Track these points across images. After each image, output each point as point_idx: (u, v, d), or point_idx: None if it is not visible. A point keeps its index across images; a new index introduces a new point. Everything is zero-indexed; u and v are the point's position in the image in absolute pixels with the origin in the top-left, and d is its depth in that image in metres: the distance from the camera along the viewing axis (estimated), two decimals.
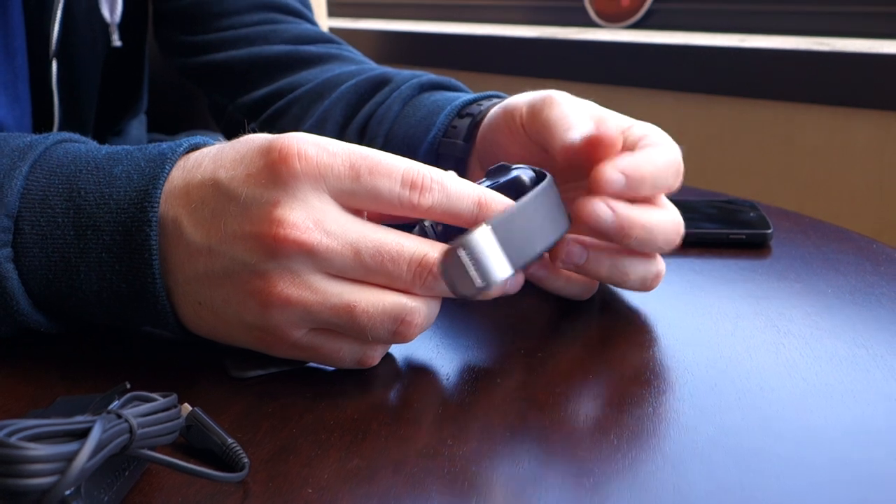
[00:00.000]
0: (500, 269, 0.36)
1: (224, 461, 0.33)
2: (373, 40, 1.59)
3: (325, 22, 1.41)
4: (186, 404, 0.35)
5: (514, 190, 0.41)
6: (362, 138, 0.60)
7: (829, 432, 0.35)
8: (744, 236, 0.58)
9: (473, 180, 0.52)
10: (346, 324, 0.37)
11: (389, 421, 0.36)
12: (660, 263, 0.46)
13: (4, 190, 0.39)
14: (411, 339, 0.38)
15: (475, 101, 0.56)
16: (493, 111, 0.52)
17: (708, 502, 0.31)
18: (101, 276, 0.39)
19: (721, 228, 0.58)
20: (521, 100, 0.49)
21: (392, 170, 0.37)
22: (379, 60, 0.82)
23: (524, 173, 0.42)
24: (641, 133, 0.46)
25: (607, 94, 1.26)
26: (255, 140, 0.38)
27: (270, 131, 0.66)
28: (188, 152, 0.40)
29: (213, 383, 0.40)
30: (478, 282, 0.36)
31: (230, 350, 0.40)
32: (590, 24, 1.43)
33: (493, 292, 0.39)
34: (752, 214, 0.61)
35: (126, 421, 0.27)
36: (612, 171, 0.41)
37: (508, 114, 0.49)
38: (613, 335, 0.45)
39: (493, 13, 1.60)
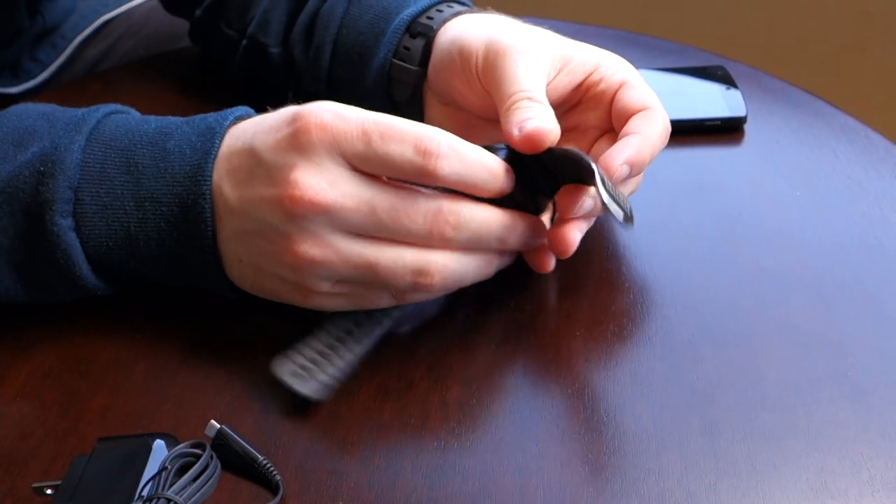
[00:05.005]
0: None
1: (256, 476, 0.37)
2: None
3: None
4: (213, 421, 0.38)
5: None
6: (310, 45, 0.58)
7: None
8: (719, 122, 0.58)
9: (432, 114, 0.52)
10: (369, 280, 0.39)
11: (399, 407, 0.40)
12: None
13: (66, 162, 0.41)
14: (437, 292, 0.40)
15: (425, 10, 0.52)
16: (446, 46, 0.49)
17: None
18: (160, 244, 0.42)
19: (696, 115, 0.58)
20: (476, 42, 0.47)
21: (404, 135, 0.38)
22: None
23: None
24: (619, 79, 0.45)
25: None
26: (288, 110, 0.40)
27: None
28: (233, 124, 0.43)
29: (233, 378, 0.42)
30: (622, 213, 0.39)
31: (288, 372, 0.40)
32: None
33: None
34: (725, 89, 0.61)
35: (175, 503, 0.30)
36: (619, 163, 0.42)
37: (465, 58, 0.47)
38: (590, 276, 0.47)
39: None
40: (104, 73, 0.76)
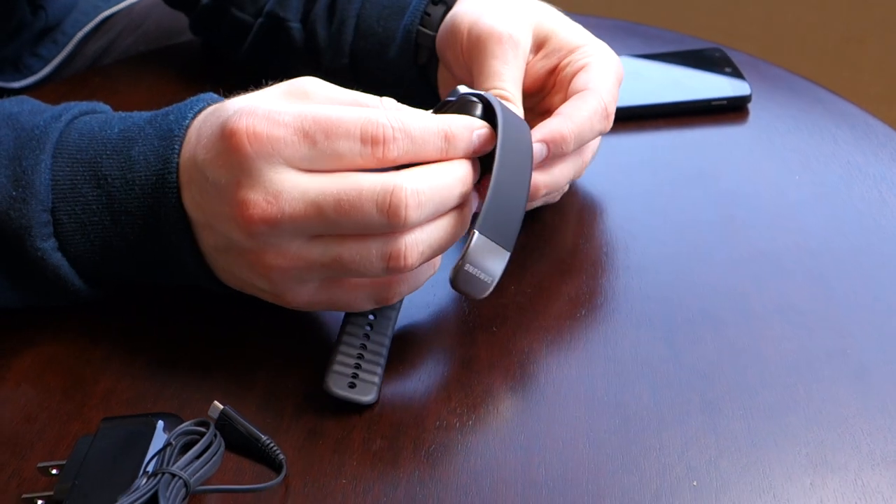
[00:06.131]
0: (500, 260, 0.38)
1: (259, 455, 0.37)
2: None
3: None
4: (216, 402, 0.38)
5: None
6: (332, 21, 0.58)
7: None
8: (725, 102, 0.58)
9: (442, 75, 0.53)
10: (342, 272, 0.39)
11: (401, 387, 0.40)
12: (579, 163, 0.47)
13: (35, 185, 0.40)
14: (413, 268, 0.38)
15: None
16: (449, 17, 0.50)
17: None
18: (144, 254, 0.42)
19: (701, 95, 0.59)
20: (466, 21, 0.48)
21: (349, 128, 0.37)
22: None
23: (476, 109, 0.40)
24: (582, 63, 0.46)
25: None
26: (219, 119, 0.38)
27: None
28: (193, 121, 0.41)
29: (236, 361, 0.42)
30: (488, 280, 0.38)
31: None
32: None
33: None
34: (727, 70, 0.61)
35: (181, 478, 0.31)
36: (534, 141, 0.41)
37: (455, 34, 0.48)
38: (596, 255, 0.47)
39: None
40: (105, 68, 0.76)
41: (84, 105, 0.44)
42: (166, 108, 0.42)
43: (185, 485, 0.31)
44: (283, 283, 0.39)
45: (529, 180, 0.40)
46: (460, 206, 0.39)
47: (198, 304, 0.45)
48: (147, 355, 0.43)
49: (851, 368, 0.40)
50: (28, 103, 0.44)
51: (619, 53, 0.49)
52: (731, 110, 0.58)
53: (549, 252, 0.48)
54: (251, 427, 0.37)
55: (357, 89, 0.40)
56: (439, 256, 0.41)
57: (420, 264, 0.39)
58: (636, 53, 0.63)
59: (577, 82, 0.45)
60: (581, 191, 0.52)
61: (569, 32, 0.48)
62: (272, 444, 0.37)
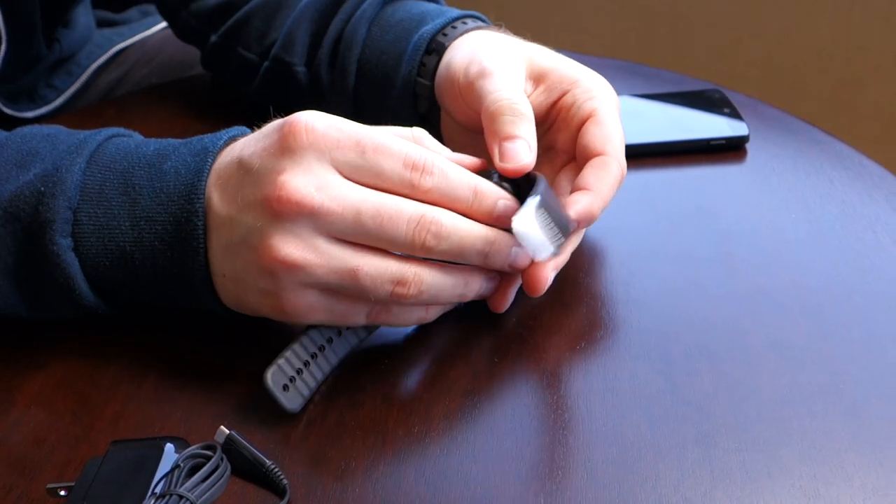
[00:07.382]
0: (551, 239, 0.40)
1: (263, 480, 0.38)
2: None
3: None
4: (223, 427, 0.39)
5: None
6: (334, 66, 0.60)
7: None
8: (724, 141, 0.60)
9: (445, 124, 0.54)
10: (349, 285, 0.40)
11: (404, 416, 0.41)
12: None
13: (66, 183, 0.42)
14: (409, 299, 0.40)
15: (442, 28, 0.55)
16: (444, 63, 0.52)
17: None
18: (155, 263, 0.43)
19: (700, 135, 0.60)
20: (462, 61, 0.49)
21: (396, 151, 0.40)
22: None
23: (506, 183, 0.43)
24: (589, 108, 0.47)
25: None
26: (276, 121, 0.42)
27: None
28: (228, 143, 0.44)
29: (242, 387, 0.43)
30: (552, 240, 0.40)
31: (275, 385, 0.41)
32: None
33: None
34: (725, 111, 0.63)
35: (188, 499, 0.32)
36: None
37: (452, 76, 0.50)
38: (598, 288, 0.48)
39: None
40: (118, 99, 0.78)
41: (122, 129, 0.47)
42: (199, 136, 0.45)
43: None
44: (286, 282, 0.40)
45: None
46: (472, 270, 0.42)
47: (205, 329, 0.46)
48: (155, 379, 0.44)
49: (845, 404, 0.41)
50: (64, 129, 0.47)
51: (620, 93, 0.50)
52: (729, 150, 0.60)
53: (550, 285, 0.49)
54: (256, 452, 0.38)
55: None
56: (436, 309, 0.43)
57: (415, 301, 0.41)
58: (637, 93, 0.65)
59: (592, 140, 0.46)
60: None
61: (565, 67, 0.49)
62: (276, 470, 0.37)
